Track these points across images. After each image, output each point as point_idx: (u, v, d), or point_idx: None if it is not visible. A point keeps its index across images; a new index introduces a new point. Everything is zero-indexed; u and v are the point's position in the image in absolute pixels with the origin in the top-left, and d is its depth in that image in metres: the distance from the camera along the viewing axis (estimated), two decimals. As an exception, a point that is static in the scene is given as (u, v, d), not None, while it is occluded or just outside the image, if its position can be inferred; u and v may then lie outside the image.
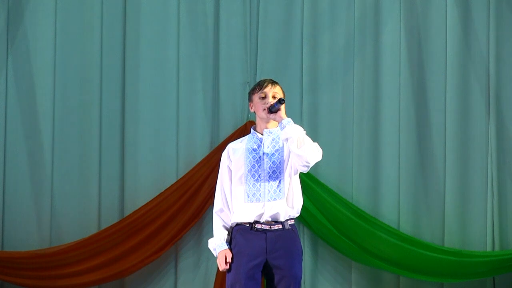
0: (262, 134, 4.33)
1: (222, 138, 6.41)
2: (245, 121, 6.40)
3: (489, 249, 6.48)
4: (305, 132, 4.20)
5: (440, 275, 6.40)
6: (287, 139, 4.18)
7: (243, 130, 6.24)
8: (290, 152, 4.24)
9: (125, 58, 6.46)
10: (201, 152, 6.44)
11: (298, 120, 6.35)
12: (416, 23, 6.57)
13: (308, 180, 6.23)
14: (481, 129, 6.55)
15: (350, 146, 6.52)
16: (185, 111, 6.47)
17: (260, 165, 4.29)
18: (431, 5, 6.57)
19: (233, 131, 6.37)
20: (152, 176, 6.41)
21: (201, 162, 6.38)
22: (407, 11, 6.56)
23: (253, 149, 4.31)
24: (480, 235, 6.50)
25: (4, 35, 6.38)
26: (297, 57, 6.53)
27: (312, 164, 4.19)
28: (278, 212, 4.24)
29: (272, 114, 4.25)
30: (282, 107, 4.23)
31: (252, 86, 4.58)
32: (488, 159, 6.53)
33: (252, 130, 4.37)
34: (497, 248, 6.48)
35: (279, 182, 4.27)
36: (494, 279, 6.52)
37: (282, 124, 4.20)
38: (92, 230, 6.35)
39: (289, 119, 4.22)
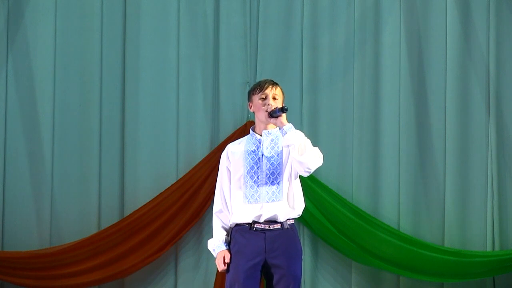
0: (261, 135, 4.33)
1: (222, 138, 6.40)
2: (245, 121, 6.40)
3: (489, 249, 6.48)
4: (307, 139, 4.20)
5: (440, 275, 6.40)
6: (288, 146, 4.18)
7: (243, 130, 6.24)
8: (289, 154, 4.24)
9: (125, 58, 6.45)
10: (201, 152, 6.44)
11: (298, 120, 6.35)
12: (416, 23, 6.56)
13: (308, 180, 6.21)
14: (481, 129, 6.54)
15: (350, 146, 6.52)
16: (185, 111, 6.47)
17: (259, 167, 4.29)
18: (431, 5, 6.56)
19: (233, 131, 6.37)
20: (152, 176, 6.41)
21: (201, 162, 6.38)
22: (407, 11, 6.55)
23: (252, 151, 4.31)
24: (480, 235, 6.49)
25: (4, 35, 6.38)
26: (297, 57, 6.52)
27: (313, 170, 4.21)
28: (276, 214, 4.25)
29: (272, 119, 4.25)
30: (284, 114, 4.23)
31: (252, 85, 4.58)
32: (488, 159, 6.53)
33: (251, 131, 4.37)
34: (497, 248, 6.48)
35: (278, 184, 4.26)
36: (494, 279, 6.52)
37: (284, 130, 4.20)
38: (92, 230, 6.35)
39: (290, 125, 4.21)
